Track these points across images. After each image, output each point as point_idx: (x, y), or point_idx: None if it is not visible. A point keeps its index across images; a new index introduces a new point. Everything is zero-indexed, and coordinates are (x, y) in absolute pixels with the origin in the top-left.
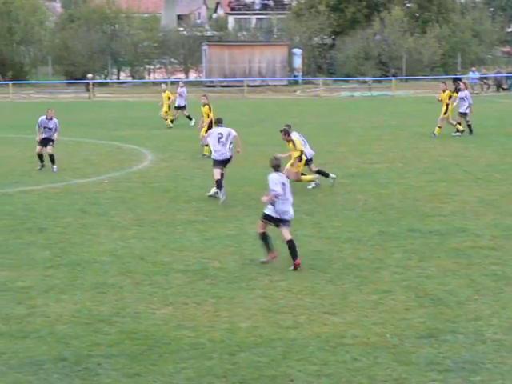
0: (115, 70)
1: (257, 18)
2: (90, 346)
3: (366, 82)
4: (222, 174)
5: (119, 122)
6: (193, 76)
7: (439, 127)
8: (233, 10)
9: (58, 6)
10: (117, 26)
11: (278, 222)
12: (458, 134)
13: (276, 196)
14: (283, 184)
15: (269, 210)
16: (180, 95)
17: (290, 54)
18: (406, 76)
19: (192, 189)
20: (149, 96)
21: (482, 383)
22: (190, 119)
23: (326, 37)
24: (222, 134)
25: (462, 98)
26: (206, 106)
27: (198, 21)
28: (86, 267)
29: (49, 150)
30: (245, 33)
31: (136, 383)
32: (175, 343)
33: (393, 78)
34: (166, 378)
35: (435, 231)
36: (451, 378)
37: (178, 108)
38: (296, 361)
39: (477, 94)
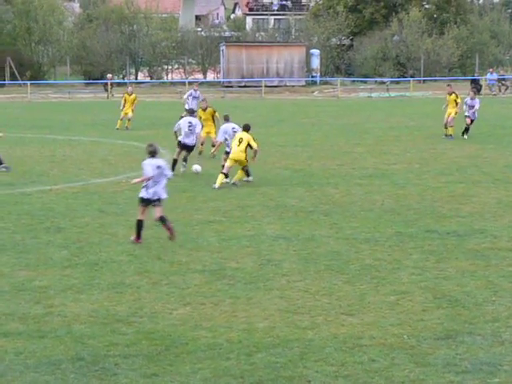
0: (133, 70)
1: (275, 19)
2: (107, 346)
3: (383, 82)
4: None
5: (137, 121)
6: (211, 76)
7: (451, 127)
8: (251, 10)
9: (76, 6)
10: (135, 26)
11: (150, 202)
12: (445, 136)
13: (147, 179)
14: (158, 168)
15: (142, 193)
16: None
17: (308, 55)
18: (424, 77)
19: (209, 189)
20: (167, 96)
21: None
22: None
23: (343, 37)
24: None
25: (471, 106)
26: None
27: (216, 21)
28: (103, 267)
29: None
30: (263, 33)
31: (153, 383)
32: (192, 343)
33: (411, 78)
34: (183, 379)
35: (453, 232)
36: (468, 380)
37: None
38: (313, 362)
39: (494, 95)
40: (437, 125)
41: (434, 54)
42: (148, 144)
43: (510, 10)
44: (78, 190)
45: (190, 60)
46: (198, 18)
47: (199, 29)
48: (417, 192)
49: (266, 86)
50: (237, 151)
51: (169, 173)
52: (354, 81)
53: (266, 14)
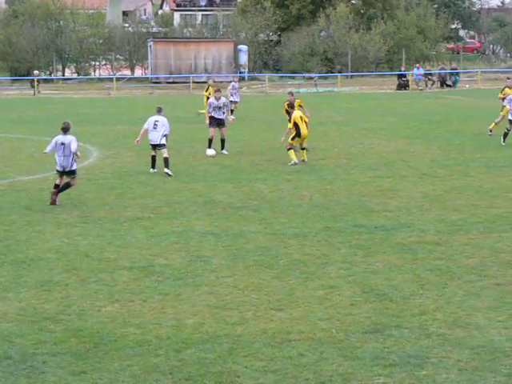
0: (60, 67)
1: (202, 15)
2: (35, 344)
3: (311, 78)
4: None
5: (65, 118)
6: (138, 72)
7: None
8: (178, 6)
9: (1, 1)
10: (62, 22)
11: (60, 173)
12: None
13: (49, 151)
14: (62, 144)
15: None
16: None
17: (236, 51)
18: (352, 72)
19: (138, 186)
20: (94, 93)
21: (426, 377)
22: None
23: (271, 33)
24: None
25: None
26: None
27: (144, 17)
28: (31, 265)
29: None
30: (190, 29)
31: (82, 381)
32: (121, 340)
33: (338, 74)
34: (112, 376)
35: (381, 226)
36: (396, 373)
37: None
38: (242, 357)
39: (421, 90)
40: (364, 119)
41: (362, 49)
42: (63, 122)
43: (435, 6)
44: (5, 187)
45: (118, 56)
46: (125, 13)
47: (126, 25)
48: (345, 187)
49: (194, 82)
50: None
51: (74, 148)
52: (282, 76)
53: (194, 10)
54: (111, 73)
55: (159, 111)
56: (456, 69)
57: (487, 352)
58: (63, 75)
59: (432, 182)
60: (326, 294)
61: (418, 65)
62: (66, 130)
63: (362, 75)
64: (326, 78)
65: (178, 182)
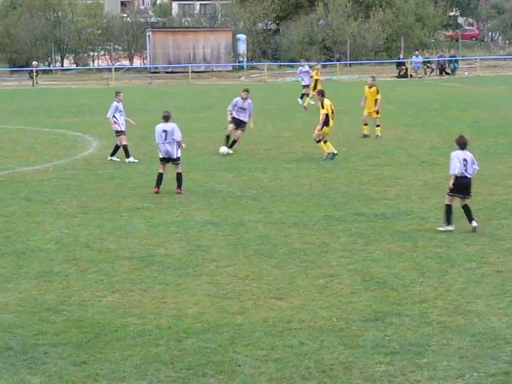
0: (59, 57)
1: (201, 4)
2: (36, 335)
3: (310, 66)
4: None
5: (63, 109)
6: (137, 62)
7: None
8: None
9: None
10: (60, 12)
11: (163, 161)
12: None
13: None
14: (164, 131)
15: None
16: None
17: (235, 40)
18: (350, 61)
19: (137, 176)
20: (93, 83)
21: (427, 365)
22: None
23: (270, 22)
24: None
25: None
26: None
27: (142, 7)
28: (31, 256)
29: None
30: (189, 19)
31: (83, 371)
32: (122, 330)
33: (337, 62)
34: (113, 366)
35: (380, 215)
36: (397, 361)
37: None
38: (243, 346)
39: (420, 77)
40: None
41: (360, 37)
42: (164, 110)
43: None
44: (4, 178)
45: (116, 46)
46: (123, 3)
47: (125, 15)
48: (344, 175)
49: (192, 72)
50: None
51: (178, 137)
52: (280, 65)
53: (192, 0)
54: (110, 63)
55: (166, 119)
56: (455, 56)
57: (488, 339)
58: (62, 66)
59: (431, 170)
60: (326, 282)
61: (417, 52)
62: (167, 118)
63: (361, 63)
64: (324, 66)
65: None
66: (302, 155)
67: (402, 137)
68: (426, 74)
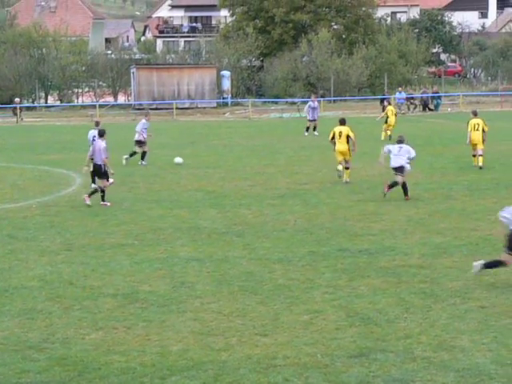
0: (43, 94)
1: (185, 41)
2: (18, 374)
3: (294, 103)
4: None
5: (48, 146)
6: (122, 99)
7: None
8: (161, 32)
9: None
10: (44, 49)
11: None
12: None
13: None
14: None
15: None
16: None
17: (219, 76)
18: (334, 97)
19: (121, 212)
20: (77, 120)
21: None
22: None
23: (254, 59)
24: None
25: None
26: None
27: (126, 44)
28: (14, 293)
29: None
30: (173, 55)
31: None
32: (105, 368)
33: (321, 98)
34: None
35: (365, 250)
36: None
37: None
38: (227, 383)
39: (403, 114)
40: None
41: (344, 73)
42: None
43: (417, 30)
44: None
45: (101, 83)
46: (107, 40)
47: (109, 52)
48: (329, 211)
49: (177, 108)
50: (341, 143)
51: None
52: (265, 101)
53: (176, 37)
54: (94, 100)
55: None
56: (438, 92)
57: (472, 375)
58: (46, 102)
59: (415, 205)
60: (310, 318)
61: (399, 88)
62: (400, 142)
63: (345, 100)
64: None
65: (161, 209)
66: (286, 191)
67: (385, 172)
68: (409, 110)
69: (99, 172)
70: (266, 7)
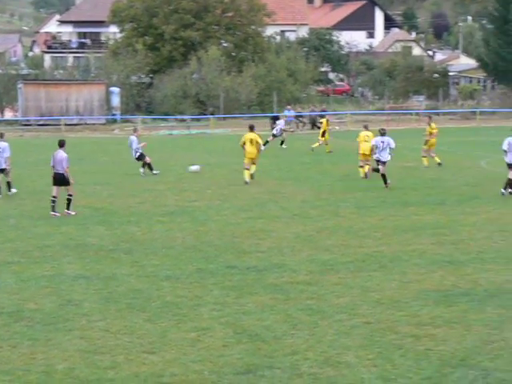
0: None
1: (74, 57)
2: None
3: (184, 120)
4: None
5: None
6: (9, 115)
7: None
8: (49, 48)
9: None
10: None
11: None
12: None
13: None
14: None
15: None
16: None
17: (108, 93)
18: (224, 114)
19: (7, 229)
20: None
21: None
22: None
23: (143, 75)
24: None
25: None
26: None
27: (14, 59)
28: None
29: None
30: (62, 71)
31: None
32: None
33: (211, 116)
34: None
35: (253, 267)
36: None
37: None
38: None
39: (292, 131)
40: (237, 161)
41: (234, 91)
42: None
43: (305, 49)
44: None
45: None
46: None
47: None
48: (217, 228)
49: (66, 125)
50: (251, 150)
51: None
52: (154, 118)
53: (65, 52)
54: None
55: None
56: (325, 110)
57: None
58: None
59: (303, 223)
60: (198, 335)
61: (288, 106)
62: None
63: (235, 117)
64: (198, 120)
65: (49, 226)
66: (175, 208)
67: (274, 190)
68: (298, 127)
69: (62, 180)
70: (156, 24)
